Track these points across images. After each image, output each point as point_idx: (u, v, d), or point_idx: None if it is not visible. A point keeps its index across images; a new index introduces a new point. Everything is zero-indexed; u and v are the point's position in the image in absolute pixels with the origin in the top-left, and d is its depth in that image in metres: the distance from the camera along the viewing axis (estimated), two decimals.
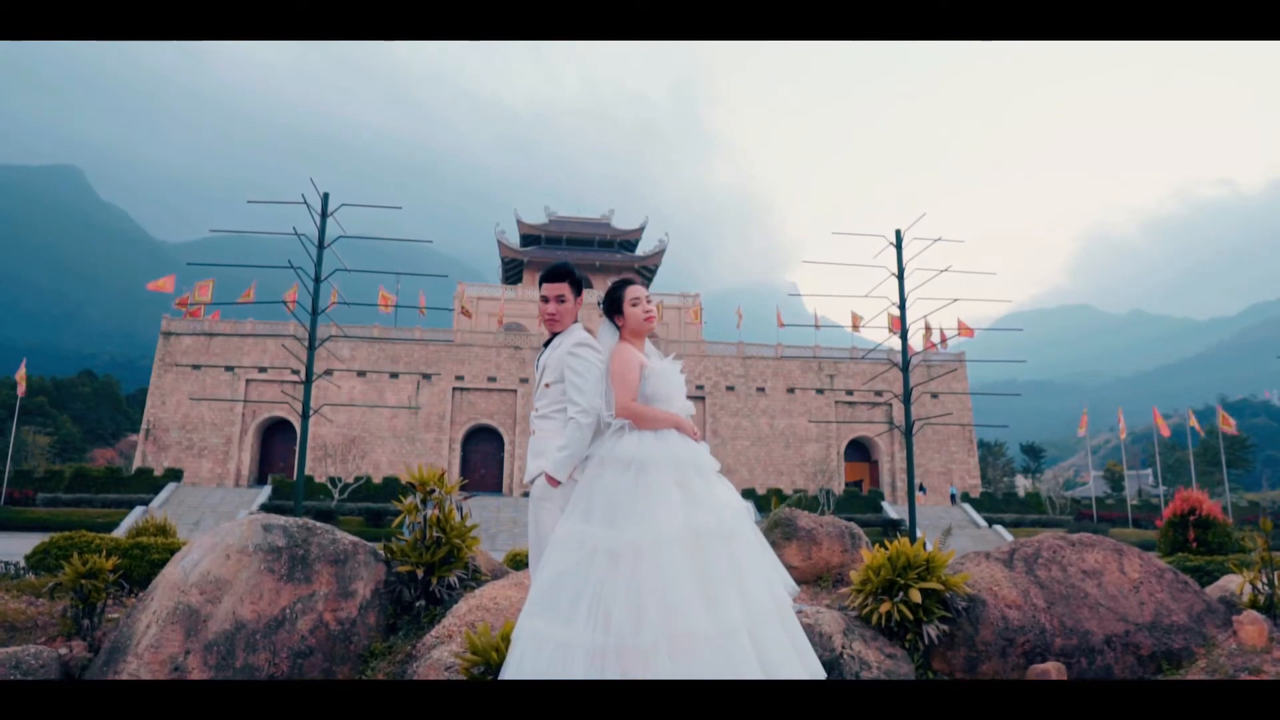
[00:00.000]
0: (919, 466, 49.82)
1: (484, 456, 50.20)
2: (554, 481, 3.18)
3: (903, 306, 19.43)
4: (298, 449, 18.41)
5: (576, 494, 3.12)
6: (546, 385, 3.35)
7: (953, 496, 48.14)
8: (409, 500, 5.41)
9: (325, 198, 17.78)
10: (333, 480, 38.02)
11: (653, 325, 3.37)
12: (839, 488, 49.19)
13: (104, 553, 6.07)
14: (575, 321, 3.48)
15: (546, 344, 3.48)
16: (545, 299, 3.43)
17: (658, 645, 2.71)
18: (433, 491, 5.36)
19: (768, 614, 2.90)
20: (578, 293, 3.46)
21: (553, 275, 3.43)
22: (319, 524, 5.34)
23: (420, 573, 5.17)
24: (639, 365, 3.25)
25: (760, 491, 45.40)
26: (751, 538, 3.10)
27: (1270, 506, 47.20)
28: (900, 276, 19.46)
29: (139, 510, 35.32)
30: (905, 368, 19.36)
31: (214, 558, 4.90)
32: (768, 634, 2.85)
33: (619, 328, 3.38)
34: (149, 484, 39.77)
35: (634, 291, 3.37)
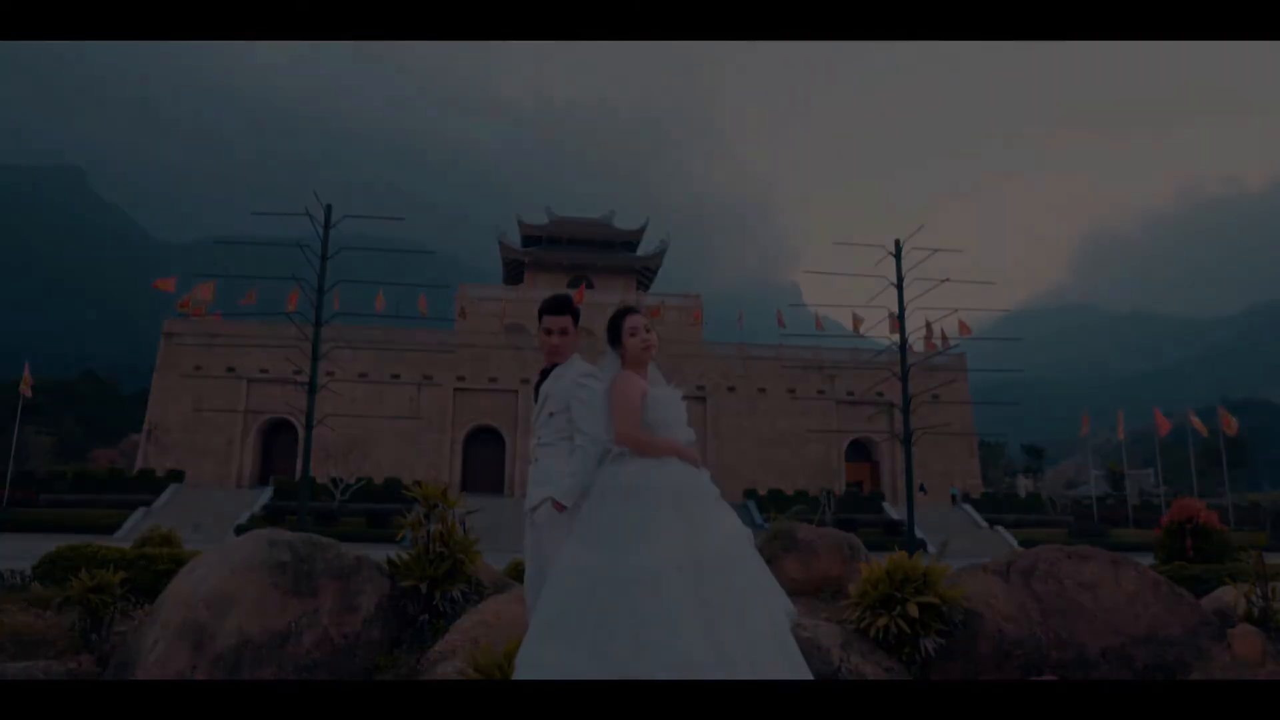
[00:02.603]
0: (920, 467, 49.53)
1: (485, 457, 50.23)
2: (560, 507, 3.21)
3: (901, 316, 19.49)
4: (301, 457, 18.41)
5: (579, 521, 3.15)
6: (550, 414, 3.38)
7: (954, 497, 48.06)
8: (412, 514, 5.41)
9: (328, 209, 17.82)
10: (334, 481, 37.99)
11: (651, 354, 3.41)
12: (840, 489, 49.14)
13: (111, 566, 6.09)
14: (574, 352, 3.52)
15: (545, 372, 3.51)
16: (548, 331, 3.45)
17: (656, 673, 2.72)
18: (436, 506, 5.38)
19: (766, 641, 2.92)
20: (577, 324, 3.50)
21: (556, 308, 3.46)
22: (324, 539, 5.39)
23: (424, 587, 5.21)
24: (640, 393, 3.29)
25: (761, 492, 45.41)
26: (751, 563, 3.12)
27: (1271, 507, 47.04)
28: (899, 286, 19.49)
29: (141, 511, 35.40)
30: (904, 377, 19.40)
31: (221, 573, 4.94)
32: (766, 661, 2.87)
33: (621, 357, 3.41)
34: (151, 485, 39.84)
35: (632, 322, 3.39)
